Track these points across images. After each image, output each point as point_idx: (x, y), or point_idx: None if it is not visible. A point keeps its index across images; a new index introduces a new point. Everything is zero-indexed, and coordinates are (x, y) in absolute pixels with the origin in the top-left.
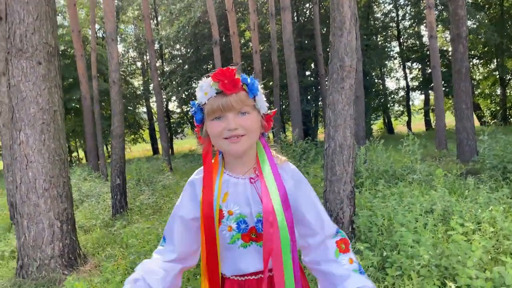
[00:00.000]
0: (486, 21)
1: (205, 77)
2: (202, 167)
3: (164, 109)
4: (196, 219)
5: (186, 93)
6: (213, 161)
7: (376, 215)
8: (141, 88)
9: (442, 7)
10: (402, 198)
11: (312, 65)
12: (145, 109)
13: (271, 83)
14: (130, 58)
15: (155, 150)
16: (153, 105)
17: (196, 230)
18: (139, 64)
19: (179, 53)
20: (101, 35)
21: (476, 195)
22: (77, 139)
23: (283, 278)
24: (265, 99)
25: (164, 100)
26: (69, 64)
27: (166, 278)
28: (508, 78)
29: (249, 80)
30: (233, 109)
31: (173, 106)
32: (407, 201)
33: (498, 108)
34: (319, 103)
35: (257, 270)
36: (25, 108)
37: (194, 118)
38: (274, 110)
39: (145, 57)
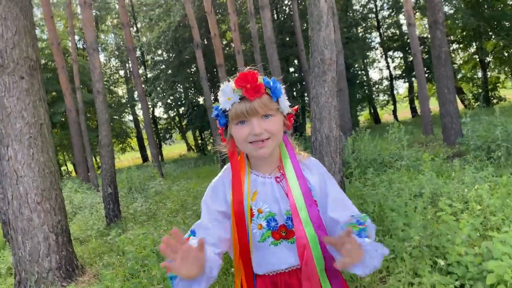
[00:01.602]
0: (462, 6)
1: (226, 81)
2: (227, 166)
3: (151, 116)
4: (223, 213)
5: (172, 97)
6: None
7: (367, 203)
8: (126, 96)
9: None
10: (391, 184)
11: (296, 61)
12: (131, 117)
13: None
14: (112, 68)
15: (144, 158)
16: (139, 113)
17: (224, 223)
18: (121, 72)
19: (162, 59)
20: (81, 46)
21: (462, 176)
22: (65, 153)
23: (316, 272)
24: (286, 98)
25: (150, 106)
26: (51, 78)
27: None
28: (487, 60)
29: (271, 83)
30: (257, 113)
31: (159, 112)
32: (396, 187)
33: (480, 91)
34: (305, 98)
35: (289, 266)
36: (10, 124)
37: (217, 121)
38: (295, 107)
39: (127, 65)
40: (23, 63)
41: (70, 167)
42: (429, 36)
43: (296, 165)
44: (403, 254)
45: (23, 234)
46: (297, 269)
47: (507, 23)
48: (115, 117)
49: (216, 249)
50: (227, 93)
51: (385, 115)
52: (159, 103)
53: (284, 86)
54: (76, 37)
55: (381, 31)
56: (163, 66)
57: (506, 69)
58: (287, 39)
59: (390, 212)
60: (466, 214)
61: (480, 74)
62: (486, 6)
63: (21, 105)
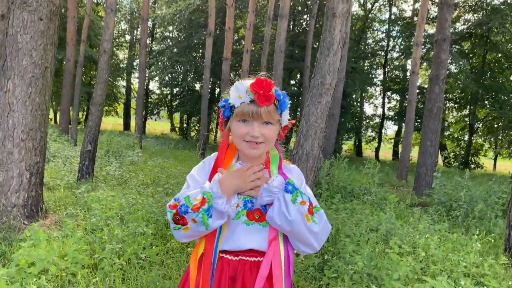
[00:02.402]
0: (467, 69)
1: (243, 80)
2: (215, 153)
3: (145, 88)
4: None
5: (170, 76)
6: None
7: None
8: (125, 61)
9: (430, 46)
10: (353, 213)
11: (298, 75)
12: (124, 84)
13: None
14: (120, 30)
15: (126, 126)
16: (134, 81)
17: None
18: (128, 37)
19: (171, 36)
20: (95, 1)
21: (419, 224)
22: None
23: (278, 261)
24: (288, 112)
25: (147, 78)
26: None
27: None
28: (477, 126)
29: (281, 97)
30: (260, 119)
31: (153, 86)
32: (357, 217)
33: (462, 153)
34: (298, 113)
35: (256, 248)
36: (18, 59)
37: (222, 112)
38: (292, 121)
39: (135, 31)
40: (46, 6)
41: (51, 114)
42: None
43: (281, 167)
44: (344, 276)
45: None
46: (260, 261)
47: (503, 97)
48: (109, 78)
49: None
50: (240, 92)
51: (368, 151)
52: (156, 78)
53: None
54: None
55: (386, 70)
56: (171, 43)
57: (491, 139)
58: (296, 52)
59: (344, 238)
60: (411, 257)
61: (466, 137)
62: (488, 75)
63: (33, 45)
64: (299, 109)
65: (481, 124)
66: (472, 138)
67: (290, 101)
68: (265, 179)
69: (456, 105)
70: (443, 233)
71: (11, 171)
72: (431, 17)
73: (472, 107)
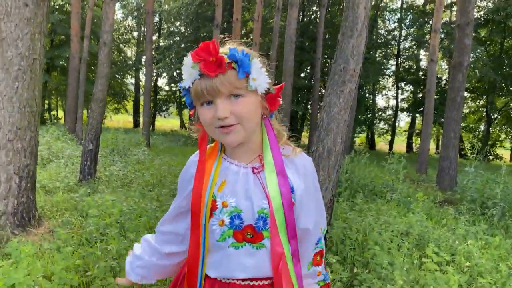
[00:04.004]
0: (485, 57)
1: (189, 54)
2: (196, 153)
3: (153, 84)
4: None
5: (178, 71)
6: (213, 144)
7: (351, 228)
8: (133, 58)
9: (445, 35)
10: (379, 215)
11: (308, 68)
12: (133, 81)
13: None
14: (127, 27)
15: (136, 123)
16: (142, 78)
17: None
18: (135, 34)
19: (177, 30)
20: None
21: (454, 225)
22: (59, 98)
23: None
24: (265, 74)
25: (154, 74)
26: (64, 20)
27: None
28: (494, 116)
29: (238, 55)
30: (221, 93)
31: (162, 82)
32: (383, 219)
33: (480, 144)
34: (308, 106)
35: (247, 277)
36: (1, 50)
37: (186, 102)
38: (278, 86)
39: (142, 27)
40: None
41: (61, 113)
42: (442, 77)
43: (277, 158)
44: None
45: None
46: (254, 285)
47: None
48: (117, 75)
49: (176, 247)
50: (188, 68)
51: (381, 144)
52: (164, 74)
53: (266, 61)
54: None
55: (399, 60)
56: (177, 38)
57: (509, 129)
58: (307, 43)
59: (373, 245)
60: (452, 267)
61: (482, 128)
62: (507, 63)
63: (18, 33)
64: (310, 103)
65: (499, 114)
66: (490, 128)
67: (299, 94)
68: None
69: (472, 95)
70: (482, 236)
71: None
72: (446, 3)
73: (489, 97)
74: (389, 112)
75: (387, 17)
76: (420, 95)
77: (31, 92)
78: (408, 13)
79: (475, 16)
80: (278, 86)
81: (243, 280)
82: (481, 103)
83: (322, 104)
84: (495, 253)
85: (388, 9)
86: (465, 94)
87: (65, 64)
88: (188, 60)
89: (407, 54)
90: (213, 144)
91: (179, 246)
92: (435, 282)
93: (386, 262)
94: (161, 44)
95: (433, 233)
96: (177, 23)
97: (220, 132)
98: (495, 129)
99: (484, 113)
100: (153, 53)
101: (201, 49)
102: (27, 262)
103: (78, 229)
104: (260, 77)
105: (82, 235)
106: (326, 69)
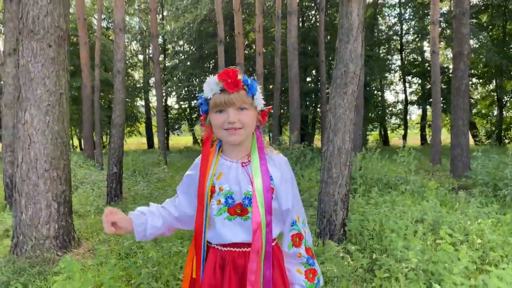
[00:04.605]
0: (488, 42)
1: (212, 75)
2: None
3: (163, 104)
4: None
5: (186, 89)
6: (212, 147)
7: (368, 220)
8: (141, 81)
9: (446, 24)
10: (394, 206)
11: (314, 71)
12: (143, 103)
13: (271, 86)
14: (132, 51)
15: (150, 144)
16: (152, 99)
17: (194, 196)
18: (141, 57)
19: (182, 49)
20: (105, 25)
21: (466, 208)
22: (73, 127)
23: (261, 248)
24: (262, 97)
25: (164, 95)
26: (72, 52)
27: (162, 226)
28: (505, 100)
29: (249, 81)
30: (234, 105)
31: (171, 101)
32: (398, 209)
33: (493, 129)
34: (318, 109)
35: (239, 241)
36: (32, 89)
37: (200, 109)
38: (269, 107)
39: (147, 50)
40: (53, 32)
41: (76, 142)
42: (449, 67)
43: (262, 156)
44: (399, 274)
45: (27, 198)
46: (245, 251)
47: None
48: (127, 99)
49: (176, 212)
50: (211, 84)
51: (394, 139)
52: (173, 93)
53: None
54: (102, 16)
55: (403, 54)
56: (183, 57)
57: None
58: (309, 48)
59: (390, 233)
60: (466, 246)
61: (495, 112)
62: (511, 46)
63: (45, 72)
64: (319, 106)
65: (509, 97)
66: (503, 112)
67: (260, 86)
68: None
69: (481, 80)
70: (495, 216)
71: (39, 203)
72: None
73: (498, 80)
74: (400, 106)
75: (386, 13)
76: (428, 86)
77: (60, 124)
78: (407, 7)
79: (474, 3)
80: (268, 107)
81: (236, 246)
82: (491, 88)
83: (322, 108)
84: (506, 229)
85: (386, 5)
86: (474, 80)
87: (76, 94)
88: (213, 78)
89: (410, 47)
90: (211, 148)
91: (190, 209)
92: (448, 259)
93: (401, 246)
94: (168, 64)
95: (446, 217)
96: (181, 42)
97: (227, 132)
98: (508, 112)
99: (495, 98)
100: (161, 73)
101: (225, 73)
102: (79, 276)
103: (115, 245)
104: (259, 98)
105: (121, 250)
106: (331, 71)
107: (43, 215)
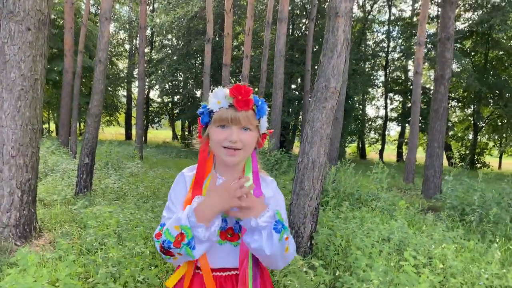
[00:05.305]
0: (470, 67)
1: (221, 87)
2: (194, 165)
3: (145, 96)
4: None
5: (170, 84)
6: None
7: (335, 235)
8: (125, 71)
9: (432, 45)
10: (363, 222)
11: (299, 79)
12: (125, 93)
13: (256, 90)
14: (119, 40)
15: (128, 136)
16: (134, 90)
17: None
18: (127, 46)
19: (170, 43)
20: (93, 11)
21: (433, 231)
22: (50, 111)
23: (248, 277)
24: (267, 120)
25: (147, 87)
26: (56, 35)
27: None
28: (481, 125)
29: (260, 103)
30: (239, 124)
31: (154, 94)
32: (367, 226)
33: (467, 152)
34: (299, 117)
35: (226, 267)
36: (5, 72)
37: (200, 118)
38: (271, 130)
39: (134, 41)
40: (34, 15)
41: (52, 126)
42: (431, 88)
43: (256, 177)
44: None
45: None
46: (233, 275)
47: (507, 94)
48: (109, 88)
49: None
50: (219, 97)
51: (371, 153)
52: (157, 86)
53: (267, 104)
54: (91, 1)
55: (387, 71)
56: (170, 51)
57: (496, 137)
58: (296, 56)
59: (355, 250)
60: (428, 269)
61: (471, 136)
62: (492, 73)
63: (21, 56)
64: (301, 113)
65: (485, 123)
66: (477, 137)
67: (268, 108)
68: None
69: (460, 104)
70: (459, 241)
71: (1, 189)
72: (431, 16)
73: (476, 106)
74: (379, 121)
75: (375, 29)
76: (409, 105)
77: (32, 111)
78: (395, 25)
79: (460, 28)
80: (270, 130)
81: (223, 270)
82: (468, 112)
83: (304, 117)
84: (468, 256)
85: (376, 21)
86: (453, 103)
87: (57, 78)
88: (223, 91)
89: (395, 65)
90: (208, 160)
91: None
92: (408, 282)
93: (365, 265)
94: (154, 57)
95: (413, 239)
96: (169, 36)
97: (226, 152)
98: (483, 138)
99: (472, 122)
100: (146, 65)
101: (236, 89)
102: (34, 270)
103: (78, 239)
104: (265, 121)
105: (82, 245)
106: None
107: (5, 202)
